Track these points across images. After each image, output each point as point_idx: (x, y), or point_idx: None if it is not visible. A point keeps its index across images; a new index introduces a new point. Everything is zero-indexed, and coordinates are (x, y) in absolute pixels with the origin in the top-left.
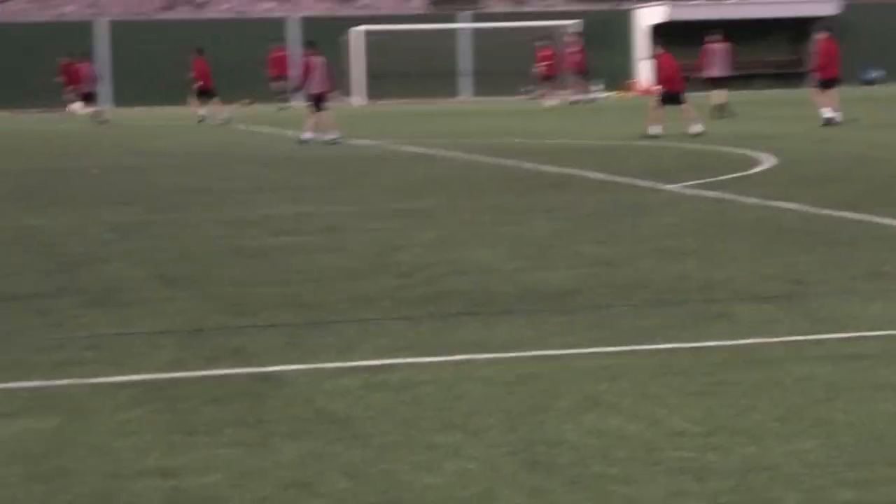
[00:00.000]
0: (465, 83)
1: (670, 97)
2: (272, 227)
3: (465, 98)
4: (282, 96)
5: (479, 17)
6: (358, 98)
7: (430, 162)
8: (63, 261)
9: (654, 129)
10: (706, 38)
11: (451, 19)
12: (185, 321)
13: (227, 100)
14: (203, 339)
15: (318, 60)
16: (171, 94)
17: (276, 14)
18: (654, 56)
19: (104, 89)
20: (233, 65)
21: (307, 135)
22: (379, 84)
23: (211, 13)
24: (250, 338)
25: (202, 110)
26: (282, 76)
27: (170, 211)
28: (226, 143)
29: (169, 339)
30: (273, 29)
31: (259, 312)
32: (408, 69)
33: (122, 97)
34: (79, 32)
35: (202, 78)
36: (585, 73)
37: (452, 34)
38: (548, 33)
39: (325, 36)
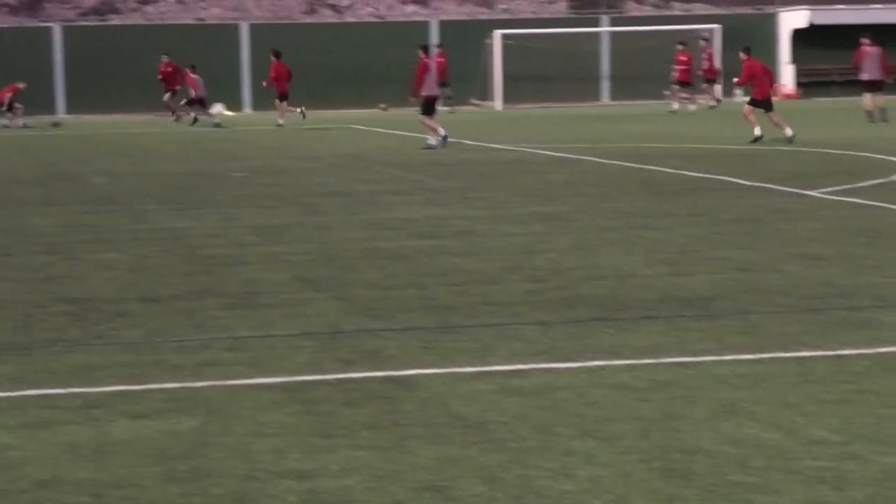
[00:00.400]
0: (605, 87)
1: (757, 103)
2: (410, 231)
3: (605, 102)
4: (447, 101)
5: (619, 21)
6: (496, 102)
7: (567, 166)
8: (205, 263)
9: (757, 131)
10: (861, 41)
11: (594, 23)
12: (324, 323)
13: (366, 104)
14: (341, 341)
15: (432, 64)
16: (313, 98)
17: (417, 18)
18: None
19: (244, 92)
20: (372, 68)
21: (432, 140)
22: (518, 88)
23: (352, 16)
24: (387, 341)
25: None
26: (443, 82)
27: (311, 213)
28: (367, 147)
29: (308, 341)
30: (414, 32)
31: (395, 315)
32: (548, 73)
33: (262, 101)
34: (222, 35)
35: (278, 81)
36: (715, 79)
37: (593, 38)
38: (690, 37)
39: (464, 39)
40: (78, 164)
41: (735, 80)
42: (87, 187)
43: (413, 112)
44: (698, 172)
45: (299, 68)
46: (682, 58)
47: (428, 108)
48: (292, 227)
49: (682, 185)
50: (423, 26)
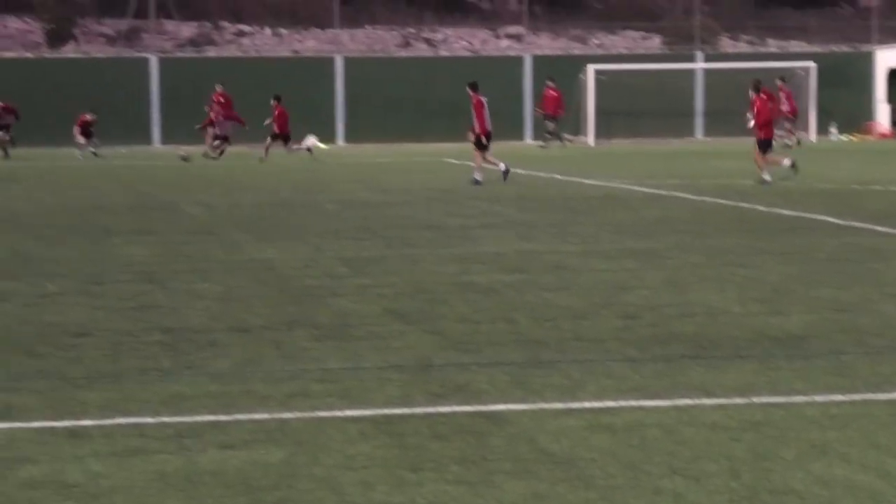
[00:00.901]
0: (698, 123)
1: (763, 143)
2: (500, 265)
3: (698, 138)
4: (550, 135)
5: (713, 57)
6: (589, 137)
7: (660, 202)
8: (296, 294)
9: (786, 161)
10: None
11: (688, 59)
12: (413, 356)
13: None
14: (430, 374)
15: (485, 101)
16: (405, 131)
17: (511, 52)
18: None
19: (338, 125)
20: (465, 103)
21: (479, 175)
22: (611, 123)
23: (446, 51)
24: (476, 375)
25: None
26: (555, 115)
27: (402, 246)
28: (458, 180)
29: (397, 373)
30: (507, 67)
31: (485, 350)
32: (641, 108)
33: (355, 133)
34: (317, 68)
35: (278, 122)
36: (794, 119)
37: (687, 74)
38: (783, 75)
39: (557, 75)
40: (173, 193)
41: (751, 119)
42: (181, 217)
43: (507, 146)
44: (791, 210)
45: (393, 102)
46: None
47: (481, 143)
48: (383, 259)
49: (776, 223)
50: (516, 61)
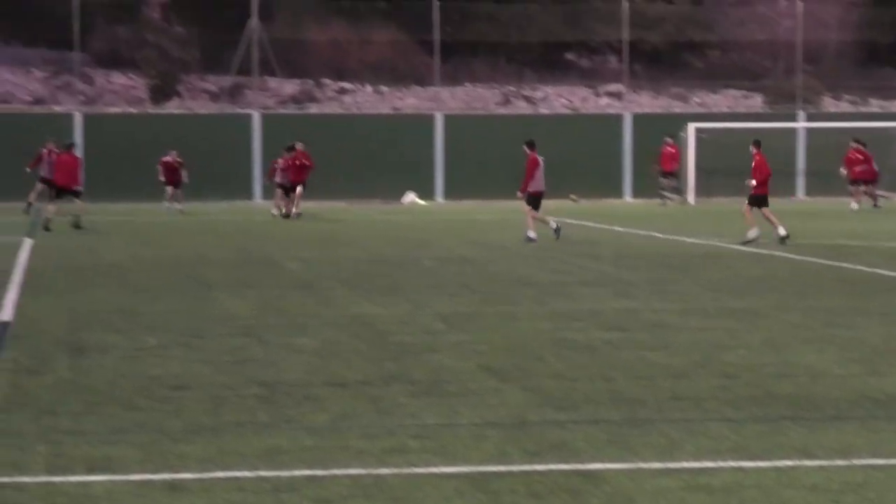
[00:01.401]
0: (800, 183)
1: (757, 199)
2: (598, 322)
3: (800, 197)
4: (667, 192)
5: (815, 117)
6: (689, 195)
7: (760, 261)
8: (393, 349)
9: (752, 233)
10: None
11: (790, 118)
12: (509, 414)
13: (557, 195)
14: (526, 432)
15: (541, 160)
16: (504, 188)
17: (611, 111)
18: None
19: (437, 182)
20: (565, 160)
21: (532, 234)
22: (711, 181)
23: (546, 108)
24: (573, 433)
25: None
26: (671, 172)
27: (499, 302)
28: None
29: (493, 430)
30: (607, 125)
31: (582, 407)
32: (742, 167)
33: (454, 190)
34: (417, 125)
35: (291, 171)
36: (874, 180)
37: (789, 133)
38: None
39: (658, 133)
40: (272, 248)
41: (752, 181)
42: (280, 271)
43: (606, 204)
44: (893, 271)
45: (491, 159)
46: (859, 156)
47: (534, 202)
48: (479, 315)
49: (877, 283)
50: (616, 119)
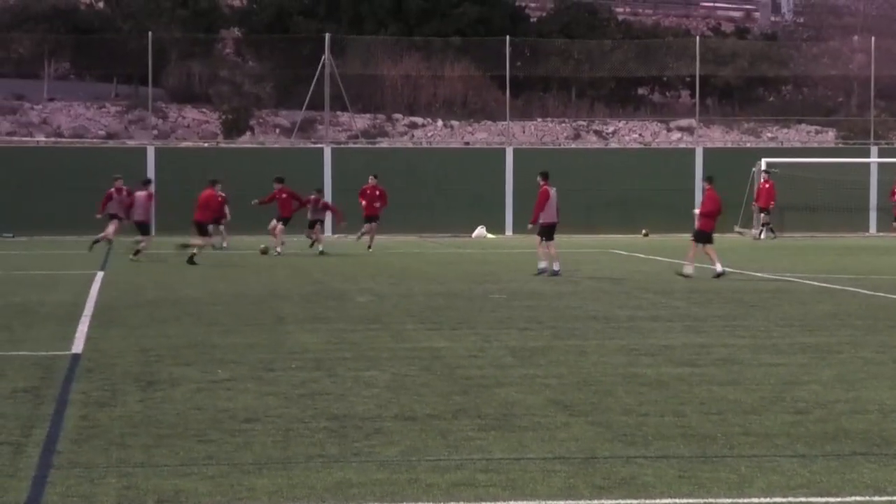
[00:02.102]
0: (873, 218)
1: (700, 235)
2: (668, 357)
3: (872, 233)
4: (764, 227)
5: (887, 152)
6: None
7: (832, 297)
8: (462, 383)
9: (718, 267)
10: None
11: (863, 154)
12: (578, 448)
13: (628, 230)
14: (595, 466)
15: (552, 191)
16: (575, 222)
17: (682, 145)
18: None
19: (507, 216)
20: (635, 194)
21: (544, 264)
22: (783, 216)
23: (616, 143)
24: (642, 468)
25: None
26: (767, 208)
27: (569, 337)
28: (627, 272)
29: (562, 465)
30: (679, 159)
31: (651, 443)
32: (814, 202)
33: (523, 224)
34: (487, 159)
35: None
36: None
37: (862, 168)
38: None
39: (729, 168)
40: (344, 282)
41: (696, 211)
42: (351, 305)
43: (677, 238)
44: None
45: (562, 193)
46: None
47: (546, 233)
48: (549, 349)
49: None
50: (688, 153)
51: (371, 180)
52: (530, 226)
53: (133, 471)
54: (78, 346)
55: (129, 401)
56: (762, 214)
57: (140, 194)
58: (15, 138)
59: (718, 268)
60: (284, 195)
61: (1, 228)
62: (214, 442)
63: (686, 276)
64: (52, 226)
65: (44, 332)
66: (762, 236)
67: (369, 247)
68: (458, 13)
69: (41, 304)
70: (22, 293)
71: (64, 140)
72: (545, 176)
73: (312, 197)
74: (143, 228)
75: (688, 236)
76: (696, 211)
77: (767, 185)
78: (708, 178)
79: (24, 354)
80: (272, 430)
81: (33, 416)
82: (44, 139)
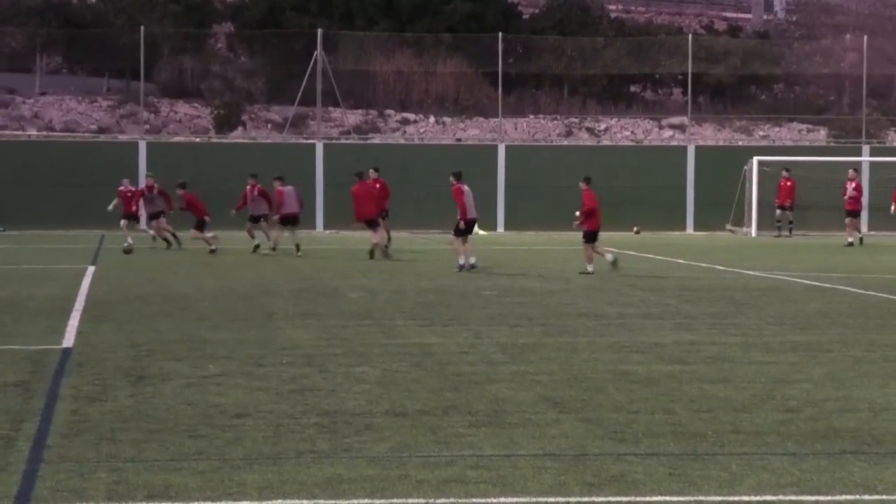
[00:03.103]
0: (863, 217)
1: (587, 235)
2: (659, 355)
3: (864, 232)
4: (782, 224)
5: (879, 151)
6: (752, 228)
7: (823, 295)
8: (453, 379)
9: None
10: None
11: (854, 152)
12: (569, 445)
13: (620, 227)
14: (585, 464)
15: (465, 188)
16: (566, 220)
17: (674, 143)
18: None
19: (499, 212)
20: (627, 192)
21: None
22: (775, 214)
23: (608, 140)
24: (632, 465)
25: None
26: (784, 205)
27: (560, 334)
28: (619, 268)
29: (552, 462)
30: (670, 157)
31: (642, 440)
32: (805, 201)
33: (515, 221)
34: (479, 156)
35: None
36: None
37: (855, 167)
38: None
39: (721, 166)
40: (335, 278)
41: (578, 213)
42: (342, 301)
43: (669, 236)
44: None
45: (553, 190)
46: None
47: (462, 231)
48: (540, 346)
49: None
50: (679, 151)
51: (372, 174)
52: (462, 225)
53: (123, 465)
54: (68, 341)
55: (120, 395)
56: (784, 212)
57: (286, 189)
58: (6, 132)
59: (609, 257)
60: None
61: None
62: (205, 437)
63: (588, 273)
64: (42, 220)
65: (34, 327)
66: (789, 233)
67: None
68: (449, 10)
69: (31, 298)
70: (12, 287)
71: (55, 134)
72: (458, 175)
73: (248, 187)
74: (292, 221)
75: (679, 234)
76: (577, 213)
77: (789, 184)
78: (586, 179)
79: (15, 349)
80: (263, 425)
81: (23, 411)
82: (35, 133)
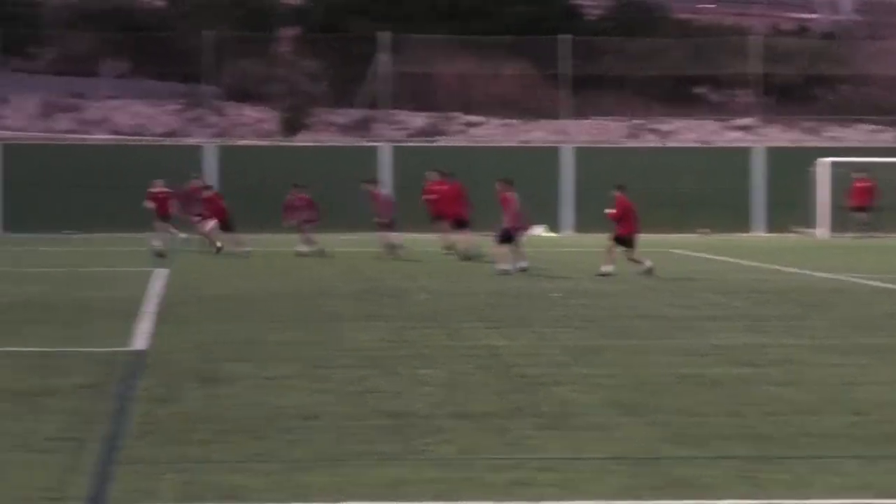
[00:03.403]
0: None
1: (621, 240)
2: (727, 357)
3: None
4: (861, 227)
5: None
6: (822, 230)
7: (891, 298)
8: (519, 382)
9: (607, 268)
10: None
11: None
12: (636, 448)
13: (687, 229)
14: (653, 467)
15: (512, 195)
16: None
17: (741, 144)
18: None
19: (565, 214)
20: (694, 194)
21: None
22: (844, 216)
23: (674, 141)
24: (700, 469)
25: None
26: (860, 206)
27: (625, 336)
28: (686, 271)
29: (619, 465)
30: (737, 159)
31: (709, 443)
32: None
33: (584, 222)
34: (544, 158)
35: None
36: None
37: None
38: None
39: (789, 167)
40: (399, 280)
41: (608, 211)
42: (407, 303)
43: (735, 238)
44: None
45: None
46: None
47: (508, 238)
48: (606, 349)
49: None
50: (746, 152)
51: (435, 175)
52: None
53: (192, 467)
54: (139, 343)
55: (189, 397)
56: (859, 214)
57: (383, 193)
58: (74, 136)
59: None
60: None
61: (62, 226)
62: (271, 439)
63: (605, 275)
64: (111, 223)
65: (105, 329)
66: (866, 235)
67: (469, 258)
68: (512, 12)
69: (102, 300)
70: (84, 290)
71: (123, 138)
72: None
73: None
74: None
75: (746, 236)
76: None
77: (864, 186)
78: (618, 187)
79: (86, 351)
80: (328, 427)
81: (95, 412)
82: (103, 137)
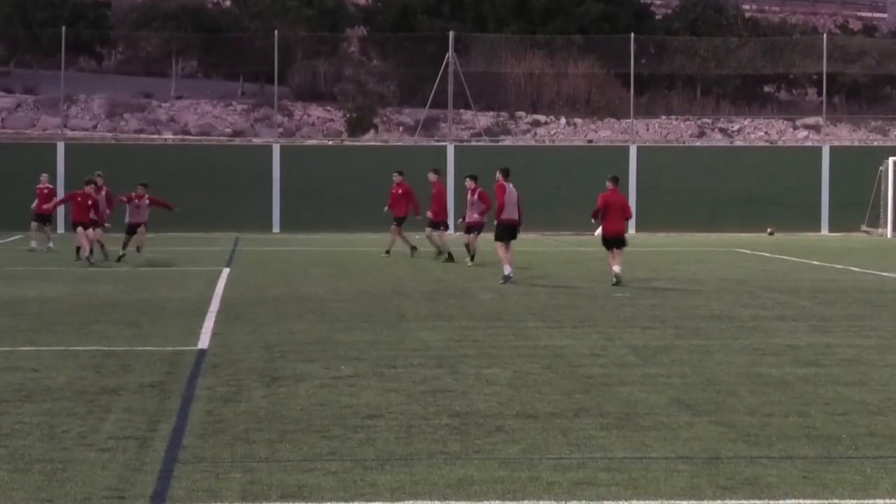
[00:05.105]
0: None
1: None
2: (793, 357)
3: None
4: None
5: None
6: (888, 229)
7: None
8: (584, 381)
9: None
10: None
11: None
12: (702, 448)
13: (754, 228)
14: (718, 467)
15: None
16: (698, 221)
17: (808, 143)
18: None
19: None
20: (761, 193)
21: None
22: None
23: (742, 140)
24: (766, 469)
25: None
26: None
27: (692, 336)
28: (752, 271)
29: (685, 465)
30: (805, 158)
31: (776, 443)
32: None
33: (646, 222)
34: (610, 157)
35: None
36: None
37: None
38: None
39: (856, 166)
40: (465, 280)
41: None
42: (473, 303)
43: (804, 237)
44: None
45: (686, 191)
46: None
47: (503, 235)
48: (672, 348)
49: None
50: (814, 151)
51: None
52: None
53: (257, 466)
54: (203, 342)
55: (254, 396)
56: None
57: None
58: (143, 136)
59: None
60: (401, 191)
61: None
62: (337, 438)
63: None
64: (178, 223)
65: (171, 328)
66: None
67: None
68: (581, 11)
69: (168, 300)
70: (149, 289)
71: (191, 138)
72: (506, 173)
73: (135, 193)
74: (477, 229)
75: (813, 235)
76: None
77: None
78: (612, 178)
79: (151, 350)
80: (394, 426)
81: (159, 411)
82: (171, 137)
